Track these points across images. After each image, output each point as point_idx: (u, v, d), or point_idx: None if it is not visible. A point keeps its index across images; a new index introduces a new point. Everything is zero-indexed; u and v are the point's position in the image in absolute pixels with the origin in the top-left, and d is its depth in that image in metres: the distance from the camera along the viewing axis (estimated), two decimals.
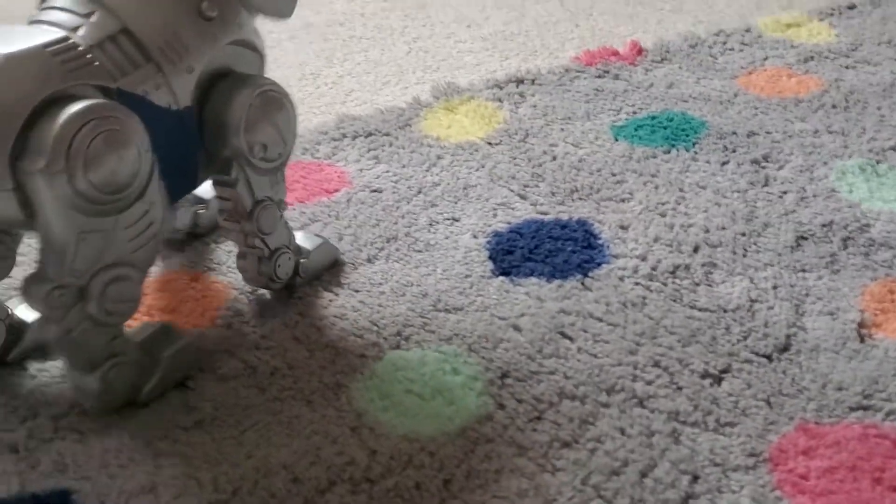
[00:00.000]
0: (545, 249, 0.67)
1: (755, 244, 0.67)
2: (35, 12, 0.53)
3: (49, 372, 0.57)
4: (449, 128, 0.84)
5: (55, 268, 0.49)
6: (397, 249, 0.68)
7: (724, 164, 0.77)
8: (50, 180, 0.46)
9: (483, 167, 0.78)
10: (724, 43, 1.00)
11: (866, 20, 1.05)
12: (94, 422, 0.53)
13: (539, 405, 0.54)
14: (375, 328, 0.60)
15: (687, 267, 0.65)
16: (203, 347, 0.58)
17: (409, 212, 0.72)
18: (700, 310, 0.61)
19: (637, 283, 0.63)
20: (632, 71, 0.94)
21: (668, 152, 0.79)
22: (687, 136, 0.81)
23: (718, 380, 0.55)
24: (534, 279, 0.64)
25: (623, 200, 0.73)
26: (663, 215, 0.70)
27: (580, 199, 0.73)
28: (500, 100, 0.89)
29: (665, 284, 0.63)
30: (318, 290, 0.64)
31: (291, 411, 0.54)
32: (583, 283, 0.63)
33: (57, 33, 0.49)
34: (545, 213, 0.71)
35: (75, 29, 0.50)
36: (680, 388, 0.55)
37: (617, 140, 0.81)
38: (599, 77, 0.93)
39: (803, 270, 0.64)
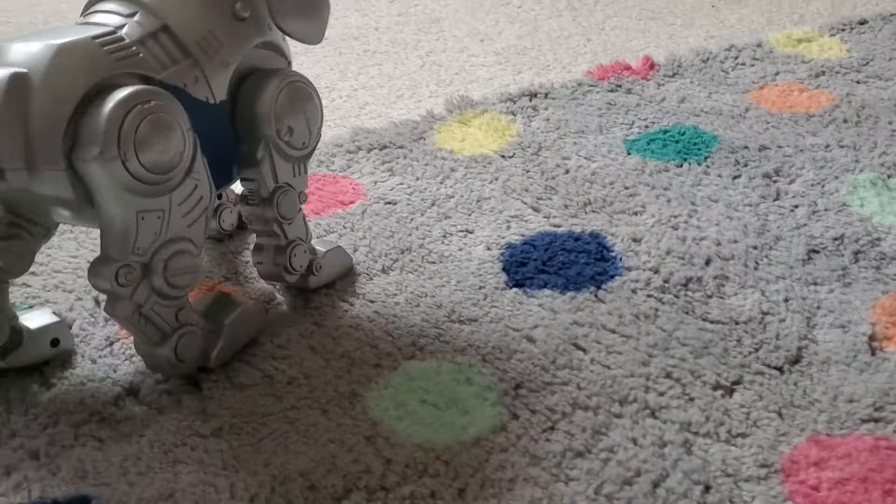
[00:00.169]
0: (558, 261, 0.68)
1: (767, 257, 0.68)
2: (80, 18, 0.56)
3: (69, 380, 0.58)
4: (462, 141, 0.85)
5: (119, 249, 0.52)
6: (411, 261, 0.68)
7: (735, 177, 0.78)
8: (106, 166, 0.50)
9: (496, 180, 0.78)
10: (736, 58, 1.00)
11: (877, 35, 1.05)
12: (114, 429, 0.54)
13: (552, 415, 0.54)
14: (390, 338, 0.61)
15: (699, 279, 0.65)
16: (262, 314, 0.61)
17: (423, 224, 0.73)
18: (712, 322, 0.61)
19: (649, 296, 0.64)
20: (644, 85, 0.95)
21: (681, 166, 0.79)
22: (699, 149, 0.82)
23: (730, 391, 0.56)
24: (547, 291, 0.65)
25: (636, 213, 0.73)
26: (675, 228, 0.71)
27: (593, 211, 0.74)
28: (513, 113, 0.89)
29: (677, 297, 0.64)
30: (334, 301, 0.64)
31: (308, 420, 0.55)
32: (596, 295, 0.64)
33: (105, 28, 0.53)
34: (558, 226, 0.72)
35: (120, 27, 0.54)
36: (692, 400, 0.55)
37: (629, 153, 0.82)
38: (612, 91, 0.94)
39: (815, 283, 0.65)
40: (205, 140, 0.55)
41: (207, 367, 0.57)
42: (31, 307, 0.63)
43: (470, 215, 0.74)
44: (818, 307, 0.62)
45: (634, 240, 0.70)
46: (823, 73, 0.96)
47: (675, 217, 0.72)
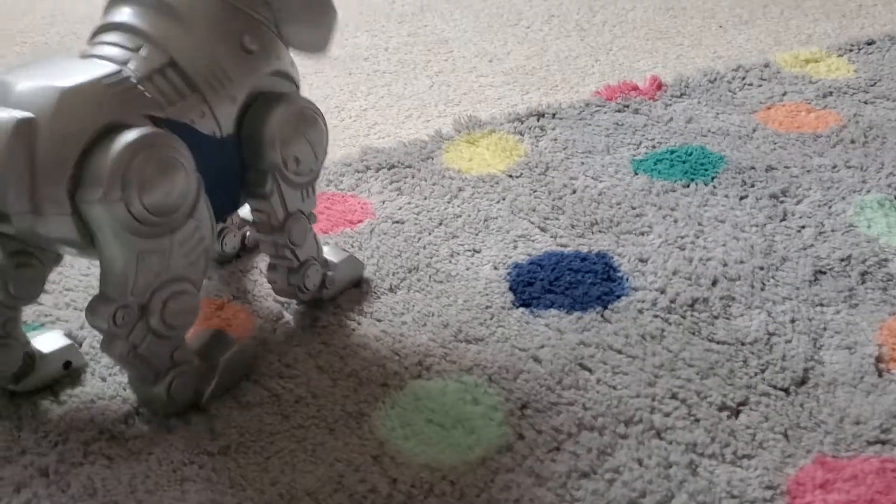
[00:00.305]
0: (565, 281, 0.68)
1: (773, 278, 0.68)
2: (86, 47, 0.56)
3: (79, 398, 0.58)
4: (470, 160, 0.86)
5: (118, 289, 0.52)
6: (419, 280, 0.69)
7: (742, 198, 0.78)
8: (108, 208, 0.49)
9: (504, 199, 0.79)
10: (743, 78, 1.01)
11: (885, 56, 1.05)
12: (123, 448, 0.55)
13: (558, 436, 0.55)
14: (397, 358, 0.61)
15: (705, 300, 0.66)
16: (254, 352, 0.61)
17: (430, 243, 0.73)
18: (718, 342, 0.61)
19: (656, 316, 0.64)
20: (651, 105, 0.95)
21: (688, 186, 0.80)
22: (706, 170, 0.82)
23: (736, 412, 0.56)
24: (554, 311, 0.65)
25: (642, 233, 0.74)
26: (682, 249, 0.71)
27: (600, 231, 0.74)
28: (521, 133, 0.90)
29: (683, 317, 0.64)
30: (342, 320, 0.65)
31: (315, 439, 0.55)
32: (602, 315, 0.64)
33: (110, 67, 0.52)
34: (565, 246, 0.73)
35: (126, 62, 0.53)
36: (698, 420, 0.55)
37: (636, 174, 0.82)
38: (619, 111, 0.94)
39: (821, 304, 0.65)
40: (210, 173, 0.54)
41: (198, 405, 0.57)
42: (41, 326, 0.64)
43: (477, 235, 0.74)
44: (825, 328, 0.62)
45: (641, 260, 0.70)
46: (831, 93, 0.97)
47: (682, 237, 0.73)
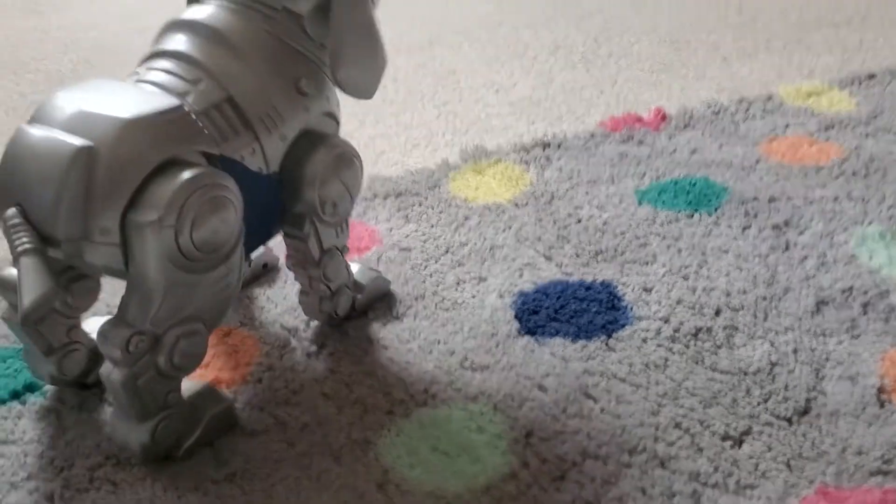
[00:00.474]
0: (570, 310, 0.68)
1: (776, 308, 0.68)
2: (140, 69, 0.56)
3: (85, 424, 0.59)
4: (477, 189, 0.87)
5: (139, 315, 0.52)
6: (425, 307, 0.69)
7: (745, 228, 0.79)
8: (159, 233, 0.50)
9: (509, 228, 0.80)
10: (747, 110, 1.02)
11: (886, 89, 1.06)
12: (128, 473, 0.55)
13: (562, 465, 0.55)
14: (403, 385, 0.62)
15: (709, 330, 0.66)
16: (238, 411, 0.60)
17: (436, 271, 0.74)
18: (721, 372, 0.62)
19: (660, 345, 0.65)
20: (656, 137, 0.96)
21: (691, 217, 0.80)
22: (709, 201, 0.83)
23: (739, 442, 0.56)
24: (559, 339, 0.65)
25: (646, 263, 0.74)
26: (686, 278, 0.72)
27: (604, 261, 0.75)
28: (526, 163, 0.91)
29: (687, 346, 0.64)
30: (348, 347, 0.65)
31: (320, 466, 0.55)
32: (606, 344, 0.65)
33: (170, 100, 0.53)
34: (570, 275, 0.73)
35: (184, 94, 0.54)
36: (701, 450, 0.56)
37: (641, 204, 0.83)
38: (624, 142, 0.95)
39: (823, 335, 0.65)
40: (255, 209, 0.55)
41: (172, 455, 0.56)
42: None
43: (483, 263, 0.75)
44: (827, 359, 0.63)
45: (645, 289, 0.71)
46: (833, 126, 0.98)
47: (686, 267, 0.73)
